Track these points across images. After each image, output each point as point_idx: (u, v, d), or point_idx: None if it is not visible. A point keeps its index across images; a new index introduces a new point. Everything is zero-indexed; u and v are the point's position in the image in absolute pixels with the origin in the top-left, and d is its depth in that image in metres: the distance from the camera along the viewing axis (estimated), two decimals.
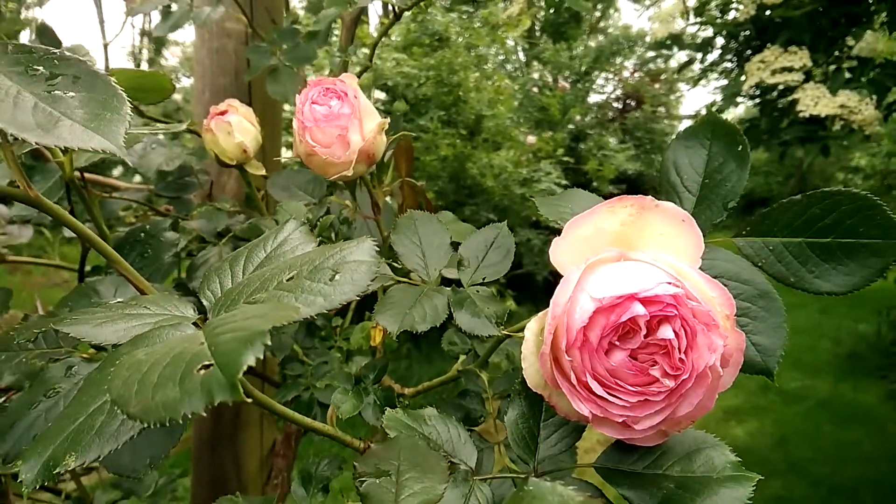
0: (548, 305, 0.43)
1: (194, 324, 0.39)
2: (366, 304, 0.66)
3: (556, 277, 0.44)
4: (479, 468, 0.56)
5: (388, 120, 0.70)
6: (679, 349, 0.40)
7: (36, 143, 0.37)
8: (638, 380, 0.41)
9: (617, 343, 0.41)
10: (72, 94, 0.41)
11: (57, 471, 0.31)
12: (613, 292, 0.40)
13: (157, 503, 1.00)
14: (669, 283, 0.40)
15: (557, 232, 0.47)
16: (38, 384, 0.51)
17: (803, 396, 4.44)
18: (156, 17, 1.42)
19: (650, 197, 0.44)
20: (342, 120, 0.67)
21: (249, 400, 0.27)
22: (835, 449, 3.72)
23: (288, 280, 0.38)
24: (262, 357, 0.27)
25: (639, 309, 0.39)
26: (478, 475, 0.49)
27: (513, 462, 0.57)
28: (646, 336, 0.40)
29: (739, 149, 0.57)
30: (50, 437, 0.33)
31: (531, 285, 5.19)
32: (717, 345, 0.40)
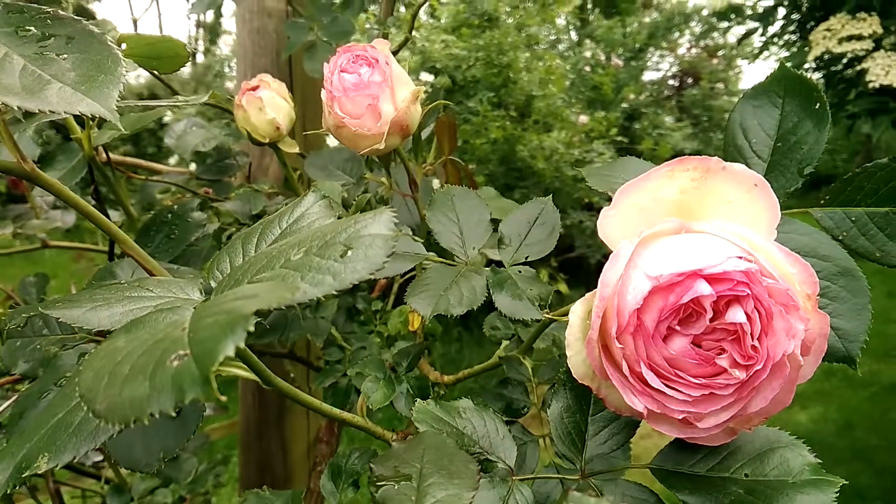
0: None
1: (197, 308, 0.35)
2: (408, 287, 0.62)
3: (608, 259, 0.39)
4: (521, 465, 0.51)
5: (423, 88, 0.65)
6: (752, 335, 0.34)
7: (18, 108, 0.34)
8: (702, 370, 0.35)
9: (677, 328, 0.35)
10: (65, 55, 0.38)
11: (27, 474, 0.28)
12: (673, 269, 0.34)
13: (195, 490, 0.99)
14: (741, 258, 0.34)
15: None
16: (50, 372, 0.49)
17: (869, 382, 4.25)
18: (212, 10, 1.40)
19: (716, 158, 0.38)
20: (373, 89, 0.62)
21: (224, 398, 0.23)
22: None
23: (296, 257, 0.33)
24: (242, 346, 0.22)
25: (703, 288, 0.33)
26: (518, 474, 0.44)
27: (559, 458, 0.52)
28: (712, 320, 0.35)
29: (817, 106, 0.50)
30: (28, 434, 0.30)
31: (584, 269, 5.09)
32: (798, 329, 0.34)
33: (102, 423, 0.29)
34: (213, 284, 0.38)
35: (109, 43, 0.38)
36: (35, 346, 0.53)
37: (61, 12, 0.39)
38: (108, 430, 0.29)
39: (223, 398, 0.22)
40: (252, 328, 0.23)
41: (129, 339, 0.27)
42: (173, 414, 0.22)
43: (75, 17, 0.39)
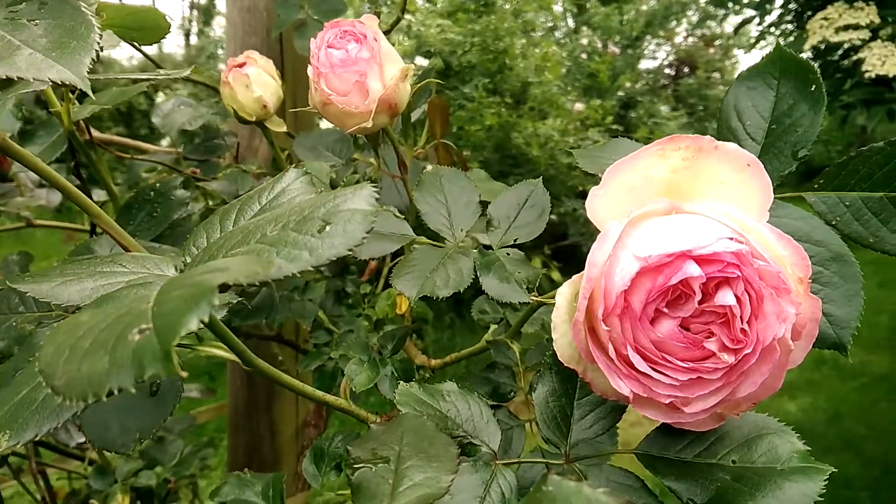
0: None
1: None
2: None
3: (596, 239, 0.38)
4: (506, 450, 0.50)
5: (413, 66, 0.64)
6: (741, 318, 0.33)
7: None
8: (690, 354, 0.34)
9: (665, 310, 0.34)
10: (36, 21, 0.36)
11: None
12: (662, 249, 0.33)
13: (180, 473, 0.98)
14: (731, 239, 0.33)
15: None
16: (25, 350, 0.47)
17: (859, 372, 4.27)
18: None
19: (709, 137, 0.37)
20: (360, 65, 0.60)
21: (184, 374, 0.22)
22: (891, 426, 3.57)
23: (272, 233, 0.32)
24: (206, 320, 0.21)
25: (693, 269, 0.32)
26: (502, 459, 0.43)
27: (545, 442, 0.51)
28: (701, 302, 0.34)
29: (812, 88, 0.49)
30: None
31: (577, 257, 5.08)
32: (789, 313, 0.33)
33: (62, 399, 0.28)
34: (188, 260, 0.37)
35: (83, 9, 0.37)
36: (11, 324, 0.52)
37: None
38: (72, 408, 0.28)
39: (184, 374, 0.21)
40: (217, 302, 0.22)
41: (93, 313, 0.26)
42: (133, 390, 0.21)
43: None
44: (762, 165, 0.37)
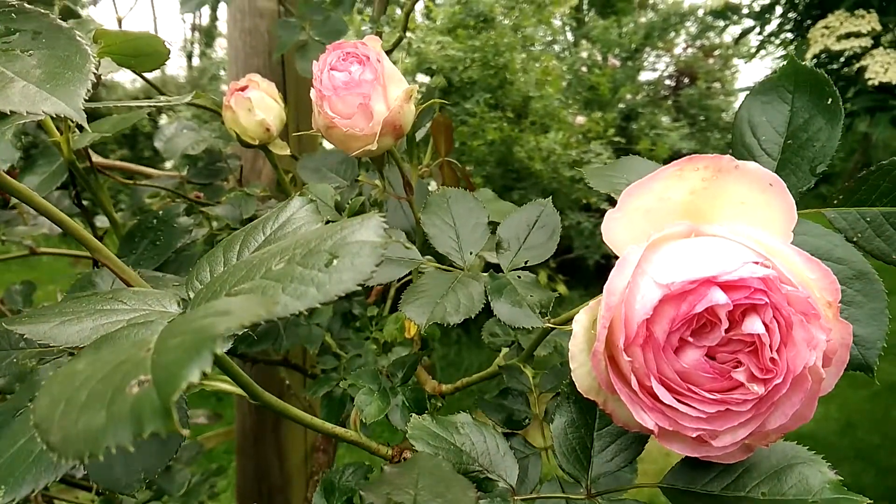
0: (601, 291, 0.35)
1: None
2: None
3: (608, 260, 0.36)
4: (523, 481, 0.48)
5: (416, 87, 0.63)
6: (770, 346, 0.31)
7: None
8: (717, 385, 0.32)
9: (690, 339, 0.33)
10: (30, 51, 0.35)
11: None
12: (685, 276, 0.31)
13: (188, 503, 0.96)
14: (757, 263, 0.31)
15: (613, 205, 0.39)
16: (27, 388, 0.46)
17: (871, 381, 4.22)
18: (207, 12, 1.37)
19: (728, 156, 0.35)
20: (364, 87, 0.59)
21: (186, 432, 0.20)
22: None
23: (277, 267, 0.31)
24: (208, 371, 0.20)
25: (718, 296, 0.31)
26: (519, 492, 0.42)
27: (563, 473, 0.49)
28: (727, 330, 0.32)
29: (829, 102, 0.48)
30: None
31: (582, 270, 5.06)
32: (819, 340, 0.32)
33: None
34: (192, 295, 0.36)
35: (79, 38, 0.36)
36: (12, 360, 0.51)
37: (27, 6, 0.37)
38: (69, 463, 0.27)
39: (185, 432, 0.20)
40: (220, 350, 0.20)
41: (91, 360, 0.25)
42: (131, 449, 0.19)
43: (42, 11, 0.37)
44: (785, 184, 0.35)
